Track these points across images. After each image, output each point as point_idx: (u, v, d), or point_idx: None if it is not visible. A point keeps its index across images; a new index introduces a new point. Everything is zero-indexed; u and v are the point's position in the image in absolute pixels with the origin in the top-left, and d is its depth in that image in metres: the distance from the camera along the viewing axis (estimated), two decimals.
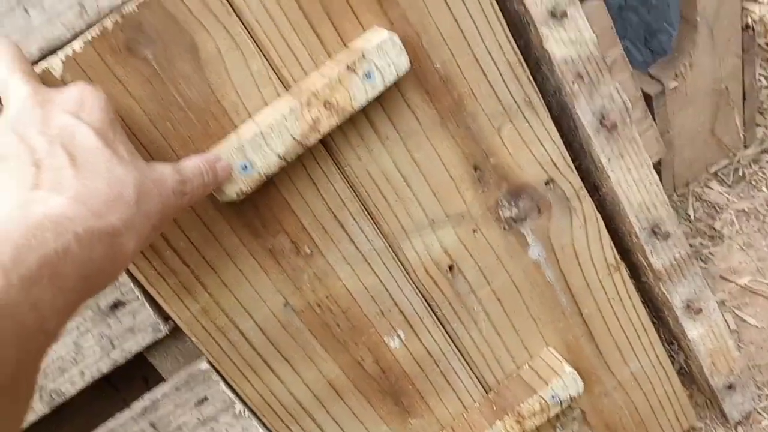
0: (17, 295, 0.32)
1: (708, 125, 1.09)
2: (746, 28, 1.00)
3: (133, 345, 0.64)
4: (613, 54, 0.81)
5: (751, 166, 1.15)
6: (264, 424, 0.71)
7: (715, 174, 1.17)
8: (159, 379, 0.69)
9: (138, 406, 0.67)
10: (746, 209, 1.11)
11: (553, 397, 0.73)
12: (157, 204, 0.43)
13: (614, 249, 0.76)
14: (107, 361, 0.64)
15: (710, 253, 1.08)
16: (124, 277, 0.62)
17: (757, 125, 1.17)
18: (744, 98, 1.08)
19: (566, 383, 0.74)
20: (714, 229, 1.11)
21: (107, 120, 0.45)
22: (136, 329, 0.64)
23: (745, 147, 1.16)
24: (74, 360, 0.63)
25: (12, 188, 0.39)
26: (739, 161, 1.16)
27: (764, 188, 1.12)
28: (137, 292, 0.63)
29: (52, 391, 0.64)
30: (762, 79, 1.23)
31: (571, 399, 0.75)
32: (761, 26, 1.00)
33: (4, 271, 0.32)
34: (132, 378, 0.86)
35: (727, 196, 1.14)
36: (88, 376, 0.64)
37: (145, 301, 0.63)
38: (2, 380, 0.31)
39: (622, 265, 0.78)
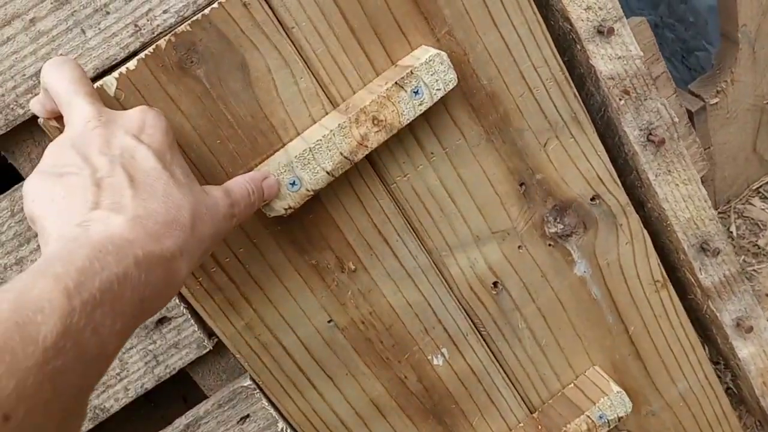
0: (80, 320, 0.32)
1: (750, 142, 1.08)
2: None
3: (178, 361, 0.64)
4: (657, 71, 0.80)
5: None
6: None
7: (757, 191, 1.15)
8: (199, 398, 0.69)
9: (180, 422, 0.67)
10: None
11: (600, 416, 0.72)
12: (210, 228, 0.44)
13: (661, 265, 0.75)
14: (151, 377, 0.64)
15: (755, 270, 1.05)
16: None
17: None
18: None
19: (614, 403, 0.72)
20: (758, 246, 1.09)
21: (166, 143, 0.46)
22: (180, 345, 0.64)
23: None
24: (119, 376, 0.64)
25: (72, 206, 0.39)
26: None
27: None
28: (183, 308, 0.63)
29: (96, 408, 0.64)
30: None
31: (619, 419, 0.73)
32: None
33: (68, 295, 0.32)
34: (171, 396, 0.86)
35: None
36: (132, 392, 0.64)
37: (190, 317, 0.63)
38: (65, 407, 0.31)
39: (669, 282, 0.76)
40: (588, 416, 0.72)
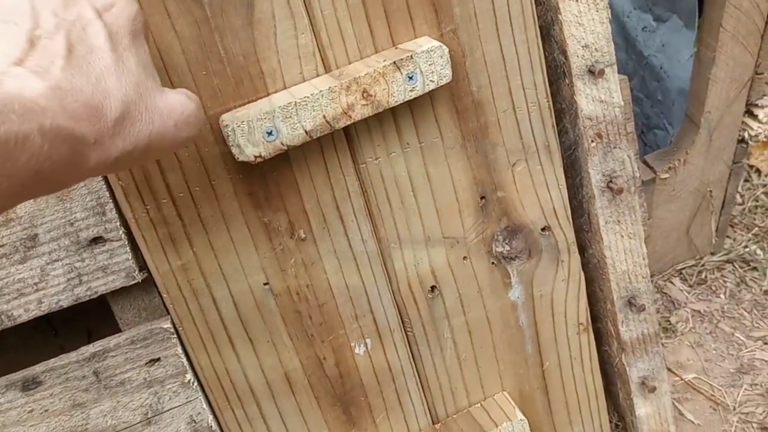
0: None
1: (685, 224, 1.14)
2: (741, 141, 1.05)
3: (101, 286, 0.62)
4: (627, 130, 0.83)
5: (714, 272, 1.19)
6: (209, 401, 0.68)
7: (680, 272, 1.21)
8: (104, 335, 0.66)
9: (87, 350, 0.64)
10: (702, 311, 1.15)
11: None
12: (144, 131, 0.40)
13: (588, 310, 0.78)
14: (70, 295, 0.61)
15: (663, 344, 1.10)
16: (112, 213, 0.60)
17: (727, 237, 1.22)
18: (723, 206, 1.13)
19: (515, 429, 0.74)
20: (669, 322, 1.14)
21: (128, 29, 0.42)
22: (109, 270, 0.61)
23: (713, 254, 1.21)
24: (36, 286, 0.60)
25: None
26: (704, 265, 1.20)
27: (722, 296, 1.16)
28: (121, 232, 0.60)
29: (2, 313, 0.60)
30: (738, 196, 1.29)
31: None
32: (755, 144, 1.06)
33: None
34: (75, 326, 0.83)
35: (686, 294, 1.18)
36: (46, 306, 0.61)
37: (126, 244, 0.61)
38: None
39: (591, 328, 0.79)
40: None
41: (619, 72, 0.70)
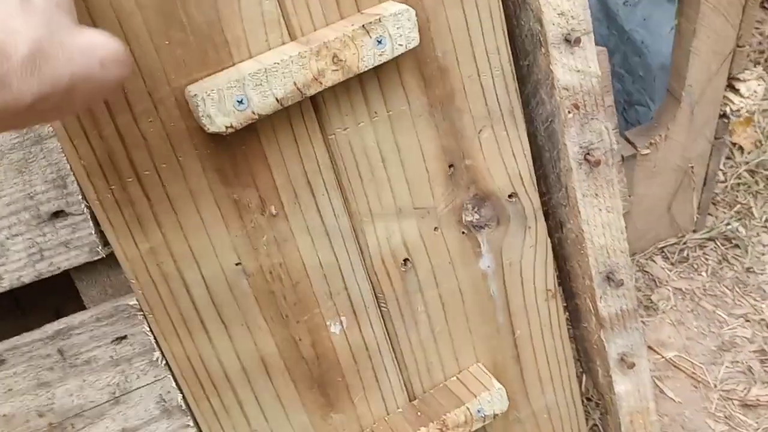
0: None
1: (667, 200, 1.13)
2: (723, 116, 1.04)
3: (64, 261, 0.60)
4: (606, 102, 0.82)
5: (696, 250, 1.19)
6: (181, 391, 0.66)
7: (662, 250, 1.20)
8: (71, 313, 0.64)
9: (50, 328, 0.62)
10: (684, 289, 1.15)
11: (478, 410, 0.72)
12: (63, 70, 0.37)
13: (555, 276, 0.77)
14: (31, 271, 0.59)
15: (643, 322, 1.10)
16: (73, 186, 0.58)
17: (709, 214, 1.22)
18: (705, 183, 1.12)
19: (494, 398, 0.73)
20: (651, 300, 1.14)
21: None
22: (71, 245, 0.60)
23: (694, 231, 1.20)
24: None
25: None
26: (686, 243, 1.20)
27: (704, 273, 1.16)
28: (83, 206, 0.59)
29: None
30: (720, 174, 1.28)
31: (495, 416, 0.74)
32: (736, 119, 1.05)
33: None
34: (41, 305, 0.81)
35: (668, 272, 1.17)
36: (6, 282, 0.59)
37: (89, 218, 0.59)
38: None
39: (558, 294, 0.79)
40: (467, 408, 0.72)
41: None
